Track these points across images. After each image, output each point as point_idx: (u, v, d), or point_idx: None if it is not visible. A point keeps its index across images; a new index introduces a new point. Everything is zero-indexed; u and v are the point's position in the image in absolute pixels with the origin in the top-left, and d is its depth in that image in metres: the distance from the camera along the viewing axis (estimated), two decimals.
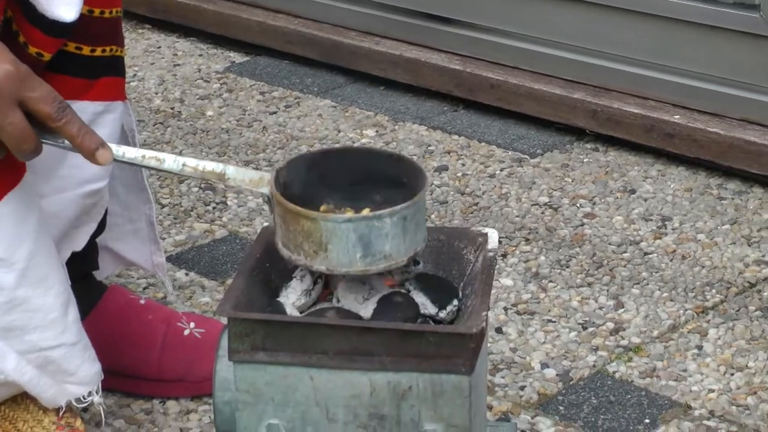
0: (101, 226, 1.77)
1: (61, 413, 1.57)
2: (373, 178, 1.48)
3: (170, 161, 1.42)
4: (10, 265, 1.45)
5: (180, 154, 2.60)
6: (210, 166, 1.43)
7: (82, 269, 1.77)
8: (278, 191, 1.40)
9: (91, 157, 1.37)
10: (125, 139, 1.78)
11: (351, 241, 1.37)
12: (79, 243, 1.72)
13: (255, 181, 1.43)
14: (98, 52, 1.65)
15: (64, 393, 1.54)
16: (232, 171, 1.43)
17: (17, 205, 1.45)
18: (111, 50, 1.67)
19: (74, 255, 1.71)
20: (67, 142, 1.38)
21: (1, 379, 1.50)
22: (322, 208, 1.45)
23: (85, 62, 1.65)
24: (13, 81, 1.32)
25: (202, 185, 2.46)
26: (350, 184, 1.47)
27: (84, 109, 1.66)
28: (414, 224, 1.40)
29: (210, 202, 2.40)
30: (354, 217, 1.38)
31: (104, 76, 1.67)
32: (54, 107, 1.35)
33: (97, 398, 1.56)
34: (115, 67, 1.69)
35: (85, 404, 1.56)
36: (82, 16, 1.55)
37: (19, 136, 1.34)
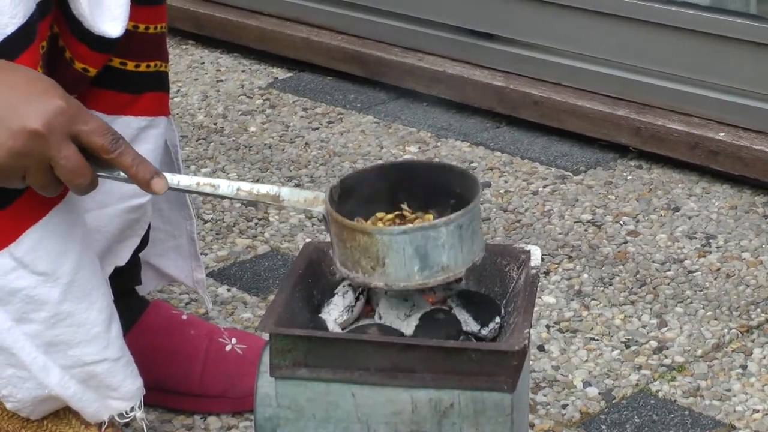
0: (144, 241, 1.78)
1: (103, 428, 1.57)
2: (428, 191, 1.46)
3: (225, 187, 1.42)
4: (55, 280, 1.46)
5: (222, 169, 2.61)
6: (264, 189, 1.43)
7: (125, 284, 1.78)
8: (333, 209, 1.40)
9: (146, 186, 1.38)
10: (168, 154, 1.79)
11: (408, 253, 1.35)
12: (123, 258, 1.73)
13: (310, 201, 1.44)
14: (143, 67, 1.66)
15: (106, 408, 1.55)
16: (286, 192, 1.44)
17: (62, 220, 1.46)
18: (155, 65, 1.68)
19: (117, 270, 1.72)
20: (121, 174, 1.38)
21: (44, 394, 1.51)
22: (379, 215, 1.44)
23: (129, 77, 1.66)
24: (65, 116, 1.33)
25: (244, 201, 2.47)
26: (406, 198, 1.46)
27: (128, 123, 1.67)
28: (470, 233, 1.38)
29: (252, 218, 2.41)
30: (409, 228, 1.36)
31: (148, 91, 1.68)
32: (107, 139, 1.35)
33: (139, 413, 1.56)
34: (159, 83, 1.70)
35: (128, 419, 1.56)
36: (127, 31, 1.56)
37: (74, 169, 1.34)
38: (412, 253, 1.35)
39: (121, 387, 1.53)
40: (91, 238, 1.55)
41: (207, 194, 1.43)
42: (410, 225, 1.40)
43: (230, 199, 1.45)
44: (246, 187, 1.43)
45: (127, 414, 1.56)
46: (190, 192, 1.43)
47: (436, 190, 1.46)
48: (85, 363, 1.50)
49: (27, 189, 1.42)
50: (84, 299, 1.48)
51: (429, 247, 1.36)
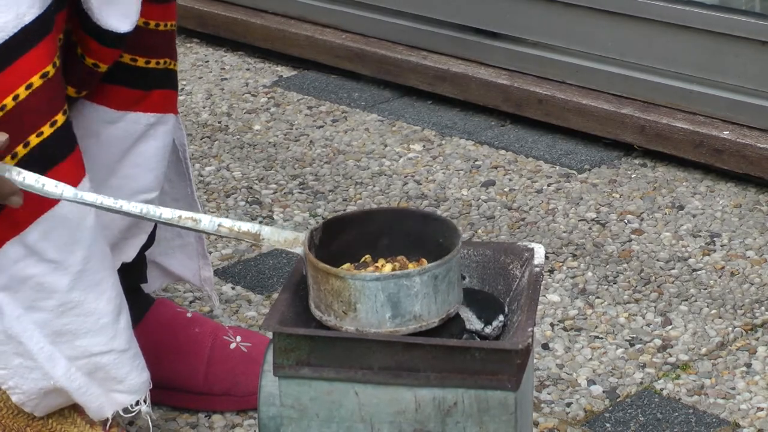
0: (150, 239, 1.78)
1: (107, 427, 1.57)
2: (409, 239, 1.46)
3: (206, 222, 1.41)
4: (64, 269, 1.46)
5: (227, 168, 2.61)
6: (245, 226, 1.42)
7: (130, 282, 1.78)
8: (312, 252, 1.40)
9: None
10: (176, 153, 1.79)
11: (380, 300, 1.35)
12: (129, 254, 1.73)
13: (290, 242, 1.43)
14: (152, 64, 1.67)
15: (111, 402, 1.55)
16: (267, 231, 1.43)
17: (73, 210, 1.46)
18: (165, 63, 1.69)
19: (123, 267, 1.72)
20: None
21: (50, 385, 1.51)
22: (365, 258, 1.44)
23: (139, 74, 1.67)
24: None
25: (249, 199, 2.47)
26: (387, 245, 1.46)
27: (137, 119, 1.67)
28: (446, 284, 1.38)
29: (256, 216, 2.41)
30: (382, 276, 1.36)
31: (158, 88, 1.69)
32: None
33: (144, 407, 1.56)
34: (168, 80, 1.71)
35: (133, 414, 1.56)
36: (137, 28, 1.57)
37: None
38: (384, 300, 1.35)
39: (127, 379, 1.54)
40: (102, 229, 1.55)
41: (188, 228, 1.41)
42: (384, 272, 1.39)
43: (211, 234, 1.43)
44: (227, 223, 1.42)
45: (133, 408, 1.56)
46: (172, 225, 1.42)
47: (419, 238, 1.45)
48: (91, 354, 1.50)
49: None
50: (93, 289, 1.48)
51: (402, 295, 1.35)
